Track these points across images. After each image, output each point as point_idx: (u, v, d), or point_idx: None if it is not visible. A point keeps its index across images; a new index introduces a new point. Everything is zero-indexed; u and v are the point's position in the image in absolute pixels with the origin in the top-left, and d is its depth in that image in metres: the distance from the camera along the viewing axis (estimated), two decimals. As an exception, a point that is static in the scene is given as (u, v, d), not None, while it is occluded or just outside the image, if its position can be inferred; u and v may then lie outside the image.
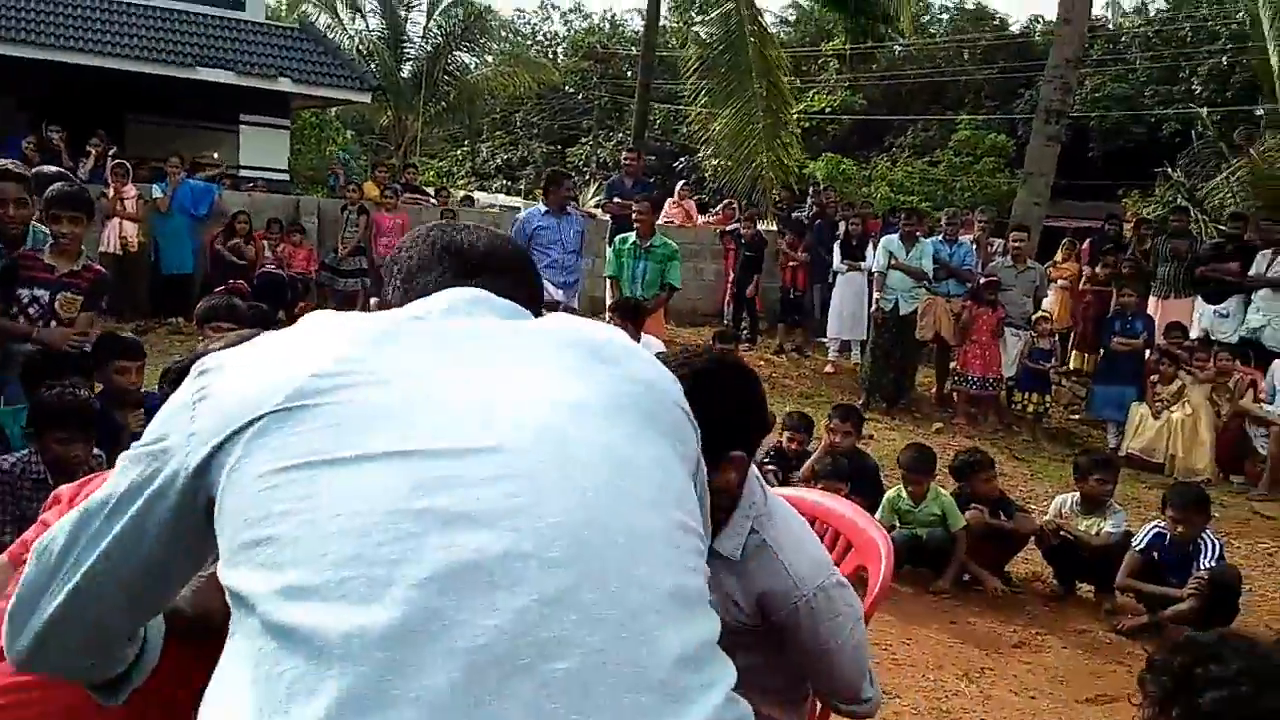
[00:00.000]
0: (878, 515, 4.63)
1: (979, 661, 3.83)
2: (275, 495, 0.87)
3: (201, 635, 1.22)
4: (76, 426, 3.04)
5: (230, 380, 0.96)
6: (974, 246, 9.22)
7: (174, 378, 3.65)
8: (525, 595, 0.82)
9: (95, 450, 3.10)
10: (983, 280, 8.41)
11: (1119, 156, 19.32)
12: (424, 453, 0.88)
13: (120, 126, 13.14)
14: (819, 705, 1.93)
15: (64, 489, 1.78)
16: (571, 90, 29.50)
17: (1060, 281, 9.78)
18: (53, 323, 3.71)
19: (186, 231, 9.56)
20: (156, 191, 9.51)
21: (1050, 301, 9.48)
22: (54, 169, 4.59)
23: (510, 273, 1.18)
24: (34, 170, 4.52)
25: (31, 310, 3.68)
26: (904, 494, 4.75)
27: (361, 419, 0.90)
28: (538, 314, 1.16)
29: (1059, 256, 10.17)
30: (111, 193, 9.03)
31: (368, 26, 22.45)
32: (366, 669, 0.77)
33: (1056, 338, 8.68)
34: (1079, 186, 18.04)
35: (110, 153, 9.99)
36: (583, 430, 0.94)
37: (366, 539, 0.82)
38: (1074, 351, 9.40)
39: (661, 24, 16.05)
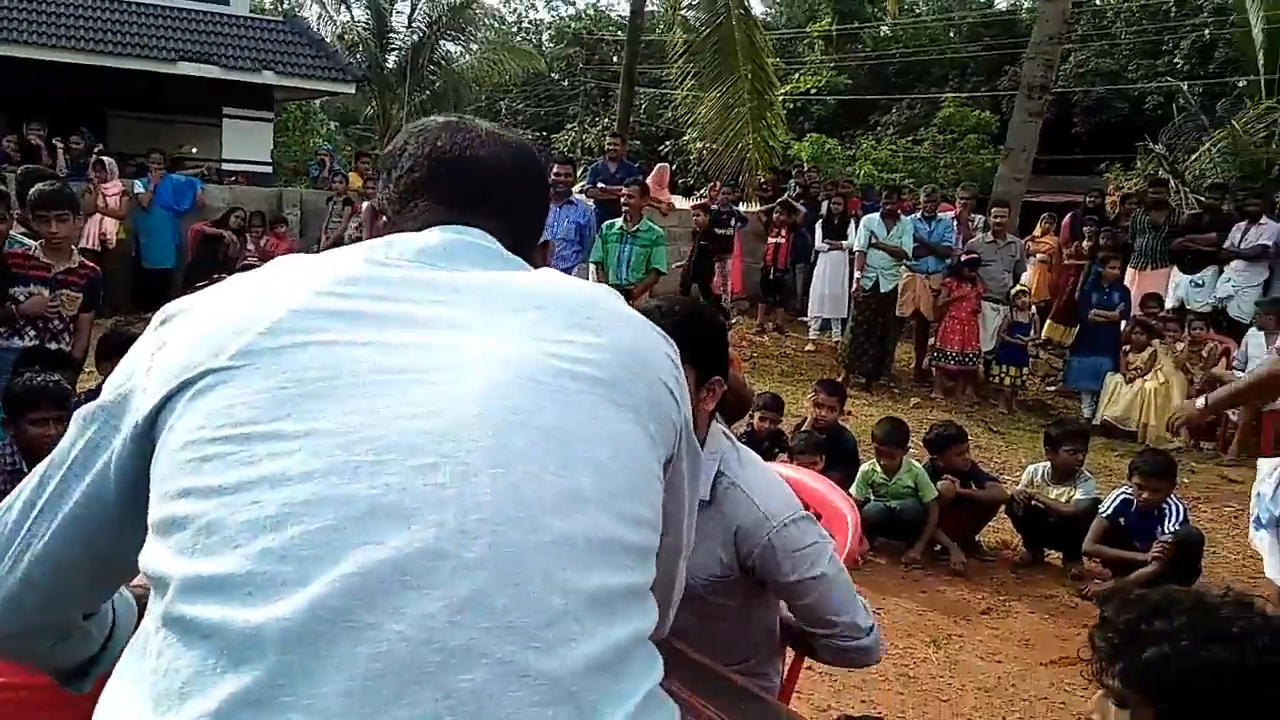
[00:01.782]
0: (852, 489, 4.72)
1: (947, 628, 3.92)
2: (195, 470, 0.82)
3: None
4: (50, 406, 3.10)
5: (187, 329, 0.91)
6: (955, 223, 9.28)
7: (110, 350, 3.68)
8: (436, 600, 0.76)
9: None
10: (962, 257, 8.49)
11: (1102, 131, 19.35)
12: (358, 432, 0.82)
13: (103, 122, 13.15)
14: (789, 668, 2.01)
15: None
16: (557, 77, 29.42)
17: (1039, 256, 9.85)
18: (55, 321, 3.76)
19: (168, 226, 9.60)
20: (139, 187, 9.53)
21: (1029, 276, 9.56)
22: (36, 168, 4.61)
23: (513, 210, 1.08)
24: (20, 170, 4.57)
25: (25, 317, 3.73)
26: (878, 467, 4.83)
27: (301, 389, 0.84)
28: (531, 252, 1.07)
29: (1037, 231, 10.24)
30: (94, 189, 9.05)
31: (353, 18, 22.40)
32: (261, 672, 0.73)
33: (1034, 311, 8.76)
34: (1062, 162, 18.10)
35: (95, 149, 10.00)
36: (534, 411, 0.86)
37: (281, 532, 0.77)
38: (1050, 324, 9.48)
39: (648, 8, 16.01)
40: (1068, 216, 10.49)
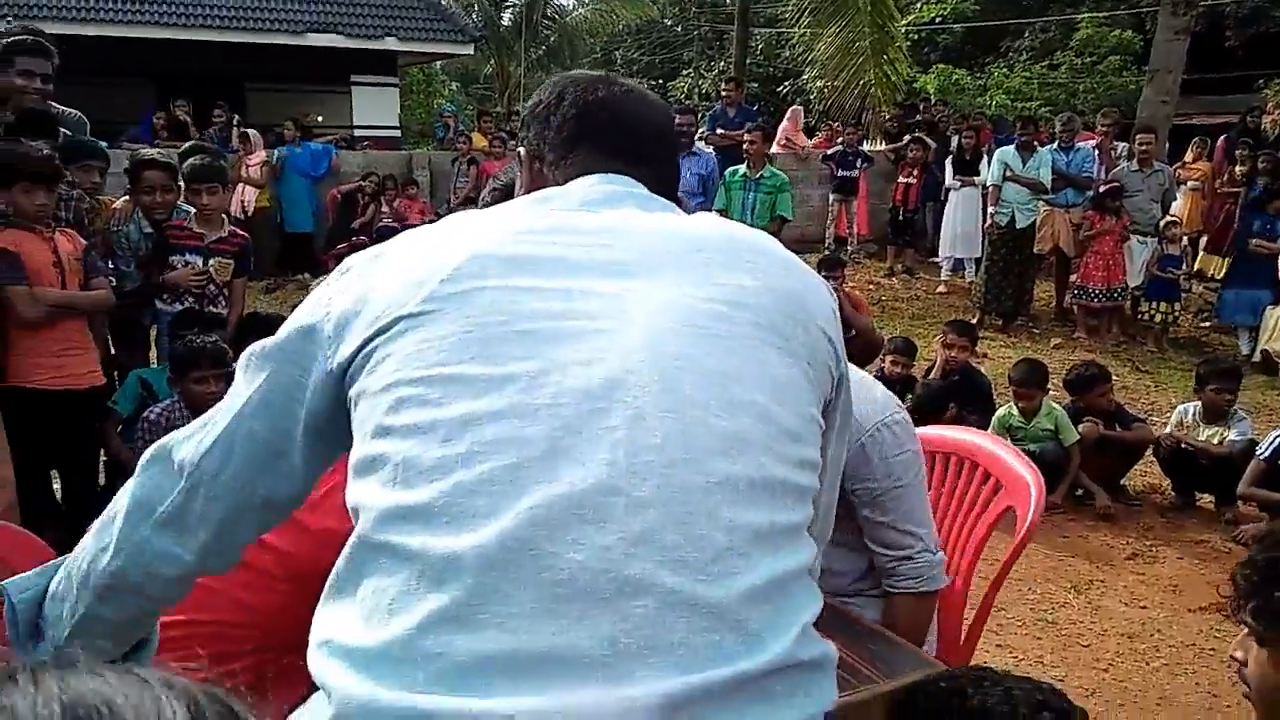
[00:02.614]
0: (988, 431, 4.61)
1: (1089, 574, 3.81)
2: (393, 410, 0.89)
3: None
4: (210, 365, 3.32)
5: (374, 279, 0.97)
6: (1096, 152, 8.80)
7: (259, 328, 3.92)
8: (611, 534, 0.82)
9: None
10: (1104, 187, 8.05)
11: (1258, 44, 17.84)
12: (536, 377, 0.88)
13: (241, 95, 13.76)
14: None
15: None
16: (670, 23, 29.07)
17: (1190, 183, 9.26)
18: (210, 286, 4.01)
19: (305, 192, 10.02)
20: (278, 157, 9.98)
21: (1179, 205, 9.00)
22: (198, 144, 4.88)
23: (659, 165, 1.15)
24: (182, 149, 4.86)
25: (184, 283, 3.98)
26: (1014, 410, 4.69)
27: (483, 332, 0.90)
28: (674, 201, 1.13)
29: (1189, 157, 9.61)
30: (239, 160, 9.52)
31: (467, -23, 22.63)
32: (459, 592, 0.81)
33: (1186, 242, 8.25)
34: (1214, 80, 16.81)
35: (235, 122, 10.50)
36: (698, 355, 0.91)
37: (471, 468, 0.84)
38: (1203, 255, 8.91)
39: (760, -56, 15.63)
40: (1221, 139, 9.82)
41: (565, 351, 0.89)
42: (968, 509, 2.28)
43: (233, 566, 1.09)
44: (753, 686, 0.83)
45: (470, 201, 10.19)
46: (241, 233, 4.21)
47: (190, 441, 1.04)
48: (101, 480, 3.70)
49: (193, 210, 4.03)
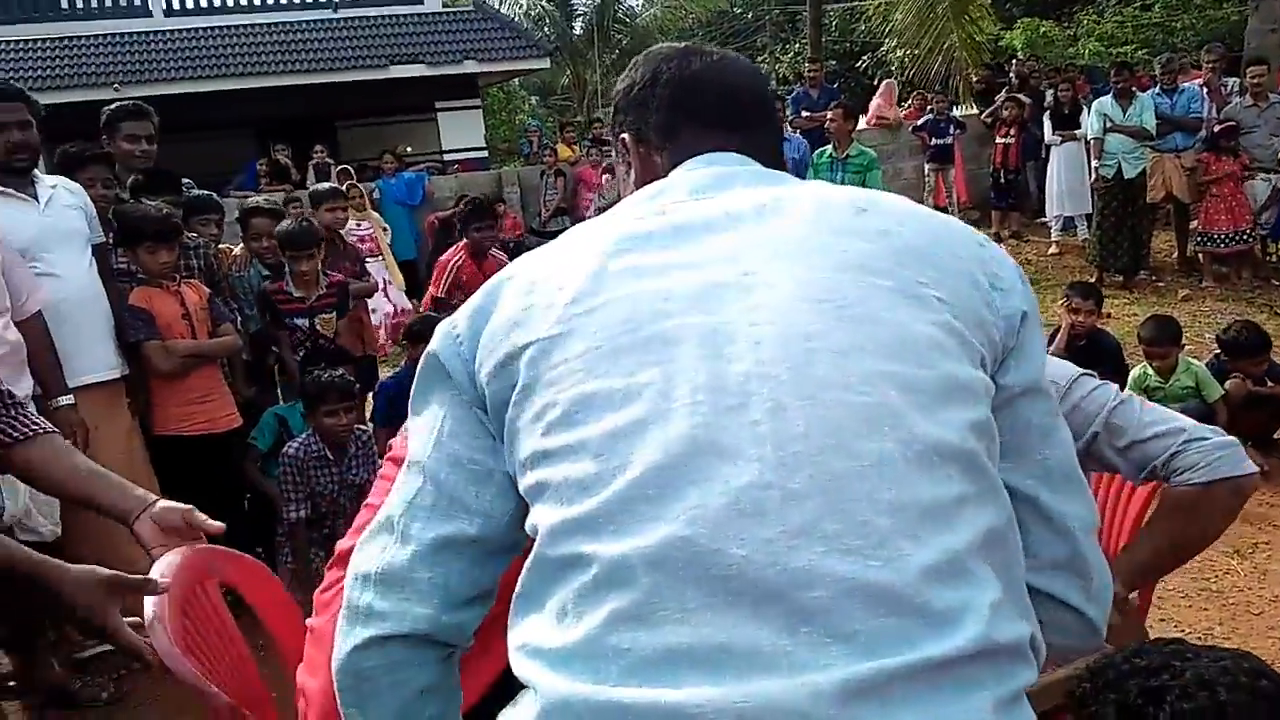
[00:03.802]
0: (1122, 396, 4.40)
1: (1252, 537, 3.60)
2: (545, 437, 0.91)
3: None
4: (337, 399, 3.47)
5: (504, 305, 0.98)
6: (1204, 91, 8.35)
7: (414, 336, 4.06)
8: (772, 527, 0.82)
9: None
10: (1217, 127, 7.63)
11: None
12: (671, 380, 0.88)
13: (333, 134, 14.22)
14: None
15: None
16: (740, 11, 28.84)
17: (1312, 111, 8.67)
18: (321, 341, 4.14)
19: (405, 220, 10.27)
20: (376, 189, 10.27)
21: (1303, 136, 8.45)
22: (269, 201, 5.00)
23: (764, 131, 1.14)
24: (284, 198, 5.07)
25: (297, 337, 4.14)
26: (1150, 370, 4.48)
27: (613, 343, 0.91)
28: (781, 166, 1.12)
29: (1308, 84, 9.02)
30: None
31: (535, -8, 22.89)
32: (637, 593, 0.83)
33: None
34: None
35: (325, 160, 10.84)
36: (828, 333, 0.89)
37: (626, 477, 0.86)
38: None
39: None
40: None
41: (694, 350, 0.89)
42: (1119, 483, 2.20)
43: None
44: (941, 671, 0.80)
45: (561, 212, 10.31)
46: (336, 278, 4.29)
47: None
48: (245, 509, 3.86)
49: (289, 273, 4.13)
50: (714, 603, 0.81)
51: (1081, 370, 1.81)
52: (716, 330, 0.90)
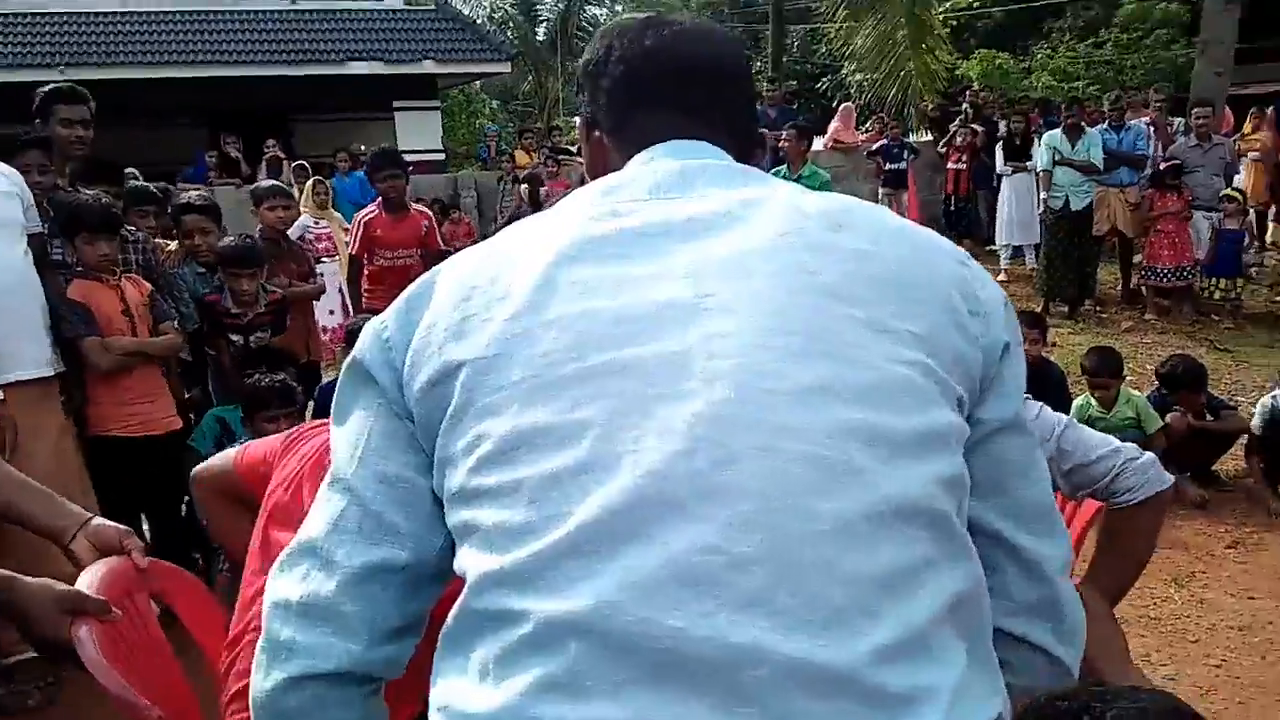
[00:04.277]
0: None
1: (1189, 566, 3.67)
2: (476, 474, 0.83)
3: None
4: (280, 405, 3.32)
5: (434, 312, 0.89)
6: (1150, 129, 8.58)
7: (351, 337, 3.95)
8: (712, 599, 0.74)
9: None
10: (1163, 165, 7.84)
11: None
12: (615, 420, 0.79)
13: (287, 128, 14.00)
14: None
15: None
16: (704, 26, 29.04)
17: (1252, 154, 8.96)
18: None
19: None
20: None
21: (1242, 178, 8.73)
22: (201, 197, 4.80)
23: (734, 110, 1.02)
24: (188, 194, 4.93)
25: (231, 350, 4.00)
26: (1093, 401, 4.55)
27: (554, 372, 0.81)
28: (751, 152, 1.02)
29: (1247, 128, 9.32)
30: (297, 193, 9.65)
31: (499, -4, 22.84)
32: (563, 659, 0.76)
33: (1251, 215, 7.99)
34: (1268, 49, 16.30)
35: (289, 162, 10.65)
36: (794, 372, 0.79)
37: (558, 530, 0.78)
38: (1274, 226, 8.61)
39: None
40: (1271, 109, 9.47)
41: (642, 386, 0.80)
42: (1062, 499, 2.24)
43: None
44: None
45: (517, 218, 10.23)
46: (276, 294, 4.13)
47: None
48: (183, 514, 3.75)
49: (228, 289, 3.96)
50: (643, 677, 0.74)
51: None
52: (669, 362, 0.80)
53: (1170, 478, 1.87)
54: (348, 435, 0.92)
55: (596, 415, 0.80)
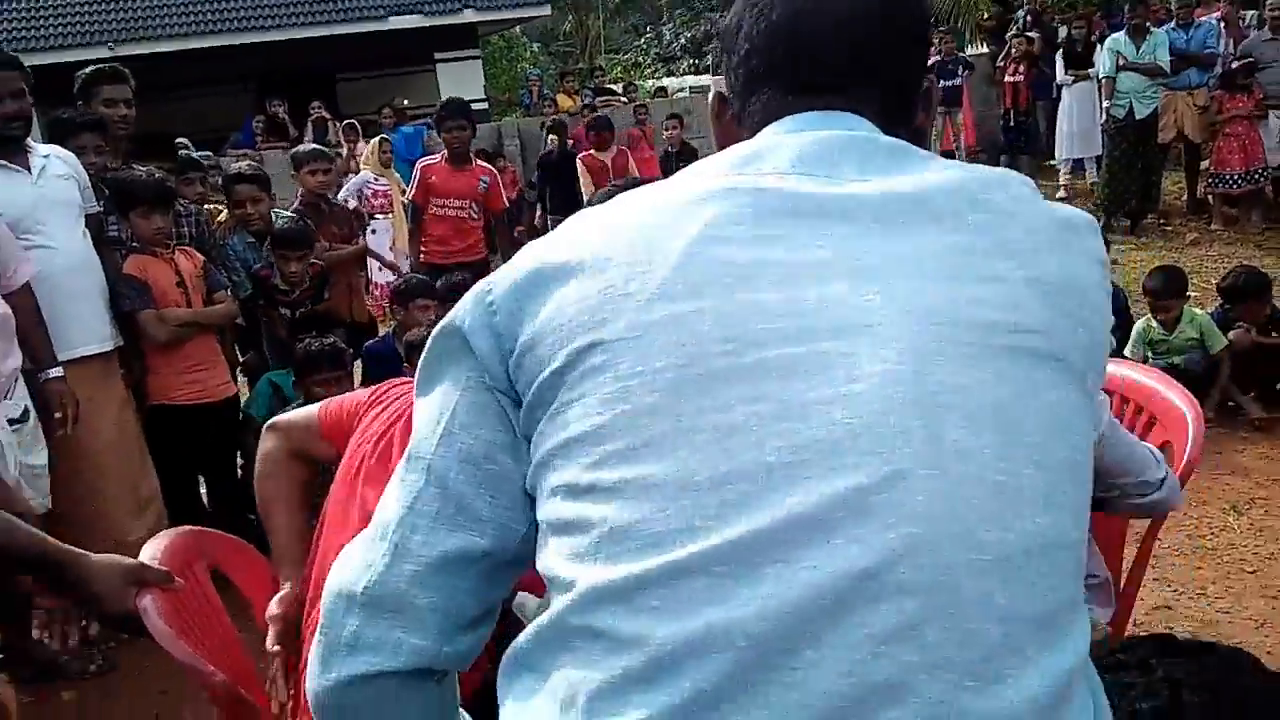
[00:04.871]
0: (1128, 350, 4.36)
1: (1249, 492, 3.57)
2: (595, 468, 0.74)
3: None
4: (329, 368, 3.41)
5: (557, 288, 0.78)
6: (1221, 25, 8.15)
7: (399, 296, 4.01)
8: (858, 629, 0.67)
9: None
10: (1233, 64, 7.45)
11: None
12: (768, 426, 0.70)
13: (332, 89, 14.07)
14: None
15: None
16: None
17: (1333, 45, 8.46)
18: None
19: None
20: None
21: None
22: (251, 166, 4.86)
23: (883, 68, 0.86)
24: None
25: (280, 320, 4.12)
26: (1154, 323, 4.42)
27: (706, 366, 0.72)
28: (916, 131, 0.89)
29: (1328, 15, 8.78)
30: (345, 152, 9.74)
31: (536, -66, 22.45)
32: (674, 693, 0.68)
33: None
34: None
35: (336, 122, 10.71)
36: (965, 388, 0.71)
37: (690, 545, 0.69)
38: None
39: None
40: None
41: (802, 387, 0.71)
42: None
43: None
44: None
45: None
46: (317, 265, 4.21)
47: None
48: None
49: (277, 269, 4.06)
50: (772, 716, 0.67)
51: None
52: (835, 362, 0.71)
53: (1182, 500, 1.77)
54: (431, 408, 0.84)
55: (748, 419, 0.71)
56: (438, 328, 0.86)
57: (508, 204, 6.02)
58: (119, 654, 3.07)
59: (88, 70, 3.74)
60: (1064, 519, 0.73)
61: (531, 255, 0.82)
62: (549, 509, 0.77)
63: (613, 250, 0.77)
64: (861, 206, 0.77)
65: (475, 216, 5.33)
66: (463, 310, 0.83)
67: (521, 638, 0.78)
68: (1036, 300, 0.75)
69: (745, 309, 0.73)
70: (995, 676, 0.68)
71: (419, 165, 5.36)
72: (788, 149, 0.81)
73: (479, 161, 5.45)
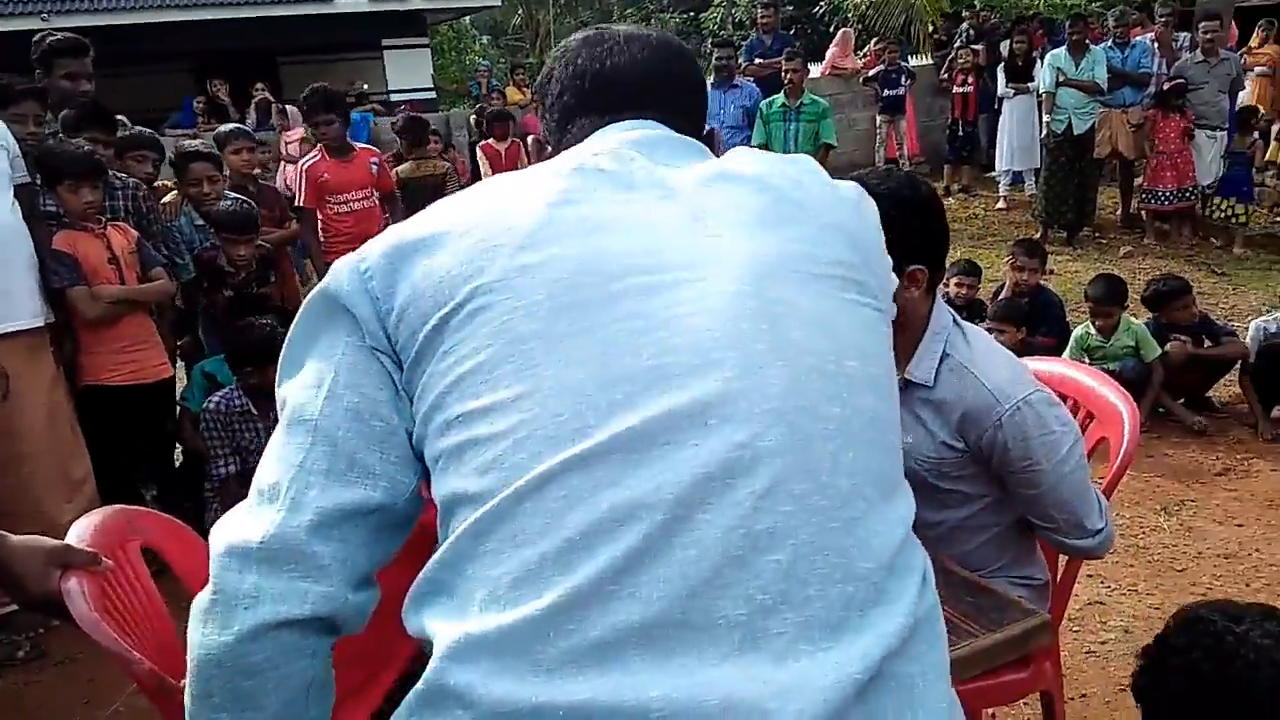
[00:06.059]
0: (1066, 353, 4.46)
1: (1179, 494, 3.68)
2: (478, 393, 0.82)
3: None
4: (262, 356, 3.30)
5: (432, 253, 0.87)
6: (1154, 46, 8.39)
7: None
8: (743, 488, 0.78)
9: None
10: (1167, 84, 7.68)
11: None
12: (642, 335, 0.82)
13: (275, 71, 13.77)
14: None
15: None
16: (699, -49, 28.32)
17: (1258, 69, 8.79)
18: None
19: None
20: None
21: (1247, 93, 8.55)
22: (205, 145, 4.73)
23: (668, 109, 1.05)
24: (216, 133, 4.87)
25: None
26: (1092, 330, 4.53)
27: (572, 296, 0.83)
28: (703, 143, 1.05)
29: (1254, 41, 9.15)
30: (279, 138, 9.53)
31: (488, -75, 22.26)
32: (601, 560, 0.76)
33: (1257, 135, 7.85)
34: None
35: (275, 104, 10.48)
36: (795, 300, 0.87)
37: (597, 431, 0.79)
38: (1275, 144, 8.47)
39: None
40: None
41: (663, 304, 0.84)
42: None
43: None
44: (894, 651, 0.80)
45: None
46: (264, 245, 4.12)
47: None
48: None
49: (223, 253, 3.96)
50: (678, 573, 0.76)
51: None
52: (685, 286, 0.85)
53: (1101, 555, 1.77)
54: (309, 374, 0.88)
55: (618, 333, 0.82)
56: (310, 297, 0.91)
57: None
58: (47, 640, 2.97)
59: (49, 40, 3.62)
60: (884, 403, 0.90)
61: (398, 231, 0.91)
62: (447, 440, 0.83)
63: (477, 218, 0.89)
64: (689, 177, 0.94)
65: (377, 203, 4.99)
66: (337, 279, 0.89)
67: (430, 565, 0.83)
68: (838, 241, 0.94)
69: (606, 251, 0.86)
70: (851, 519, 0.82)
71: (301, 168, 4.90)
72: (614, 142, 0.98)
73: (360, 145, 5.16)
